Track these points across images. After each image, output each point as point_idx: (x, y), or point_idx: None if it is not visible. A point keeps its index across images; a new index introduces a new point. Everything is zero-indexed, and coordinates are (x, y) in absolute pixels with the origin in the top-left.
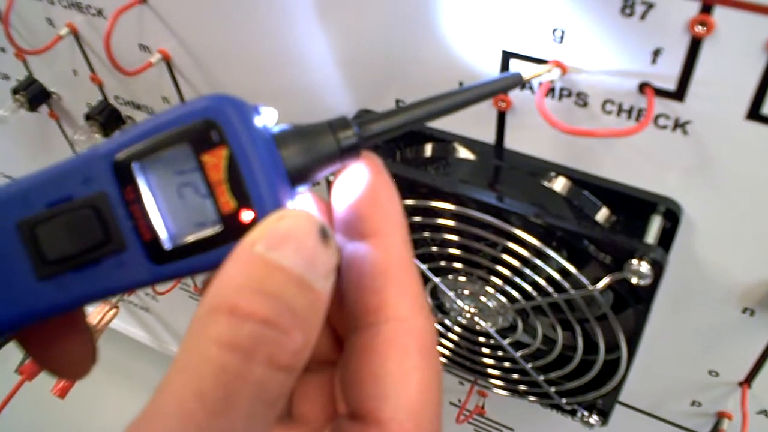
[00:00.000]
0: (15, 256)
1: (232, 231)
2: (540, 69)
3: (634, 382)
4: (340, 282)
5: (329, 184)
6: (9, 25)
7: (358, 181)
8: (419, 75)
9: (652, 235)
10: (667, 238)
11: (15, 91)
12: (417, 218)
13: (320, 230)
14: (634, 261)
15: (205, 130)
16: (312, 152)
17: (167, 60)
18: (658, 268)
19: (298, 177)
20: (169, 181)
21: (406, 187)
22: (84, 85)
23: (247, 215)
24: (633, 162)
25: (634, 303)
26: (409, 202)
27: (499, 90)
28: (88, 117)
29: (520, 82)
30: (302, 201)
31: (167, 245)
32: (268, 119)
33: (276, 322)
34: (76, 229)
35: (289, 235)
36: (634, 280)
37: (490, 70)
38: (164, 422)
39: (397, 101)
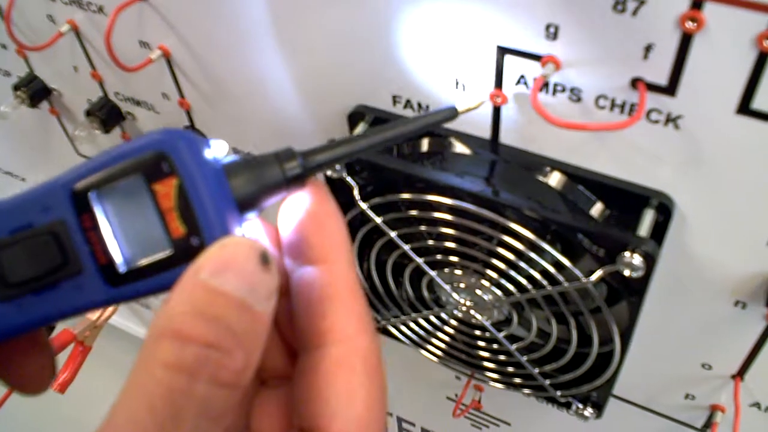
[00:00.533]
0: None
1: (182, 254)
2: (474, 102)
3: (628, 375)
4: (290, 304)
5: None
6: (11, 22)
7: (302, 207)
8: (416, 75)
9: (644, 229)
10: (659, 231)
11: (16, 88)
12: (413, 212)
13: (260, 255)
14: (627, 253)
15: (156, 162)
16: (259, 181)
17: (167, 56)
18: (650, 261)
19: (246, 204)
20: (123, 209)
21: (402, 182)
22: (84, 82)
23: (195, 240)
24: (626, 157)
25: (627, 295)
26: (406, 196)
27: (436, 123)
28: (88, 113)
29: (455, 116)
30: (250, 227)
31: (122, 268)
32: (218, 151)
33: (217, 343)
34: (36, 253)
35: (230, 261)
36: (626, 273)
37: (485, 66)
38: None
39: (394, 97)
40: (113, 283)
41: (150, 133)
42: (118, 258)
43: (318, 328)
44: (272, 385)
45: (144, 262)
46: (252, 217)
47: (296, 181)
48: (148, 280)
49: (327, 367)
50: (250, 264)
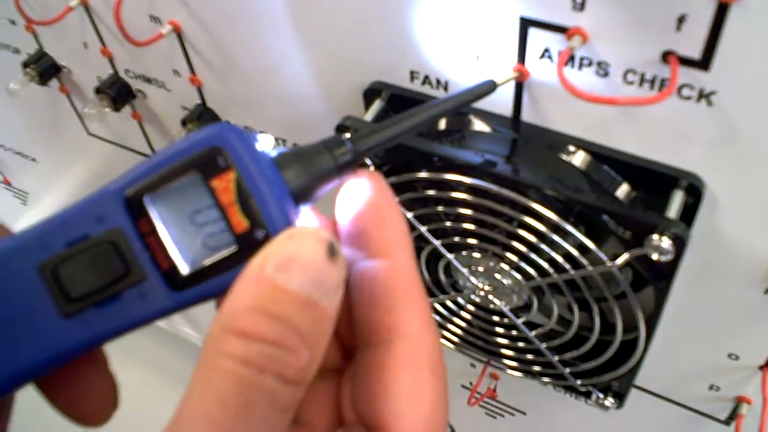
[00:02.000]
0: (38, 299)
1: (248, 249)
2: (510, 74)
3: (650, 364)
4: (349, 297)
5: None
6: None
7: (362, 198)
8: (435, 50)
9: (673, 211)
10: (689, 214)
11: (25, 65)
12: (431, 192)
13: (328, 247)
14: (655, 236)
15: (211, 157)
16: (311, 171)
17: (178, 31)
18: (680, 244)
19: (300, 196)
20: (180, 210)
21: (420, 160)
22: (94, 59)
23: (260, 233)
24: (655, 135)
25: (654, 280)
26: (423, 175)
27: (476, 97)
28: (98, 91)
29: (494, 89)
30: (307, 219)
31: (185, 271)
32: (265, 145)
33: (282, 342)
34: (96, 264)
35: (296, 255)
36: (654, 256)
37: (507, 40)
38: (192, 428)
39: (412, 72)
40: (178, 287)
41: (197, 131)
42: (180, 261)
43: (382, 323)
44: (320, 377)
45: (208, 261)
46: (305, 209)
47: (347, 167)
48: (213, 280)
49: (393, 363)
50: (317, 257)
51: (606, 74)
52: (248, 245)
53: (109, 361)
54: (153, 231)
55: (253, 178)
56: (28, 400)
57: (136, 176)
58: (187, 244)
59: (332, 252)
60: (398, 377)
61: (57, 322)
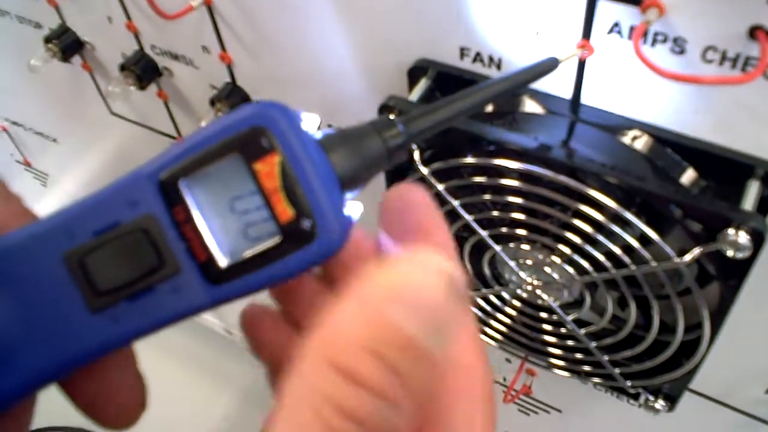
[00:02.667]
0: (65, 292)
1: (293, 241)
2: (573, 50)
3: (704, 366)
4: None
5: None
6: None
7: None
8: (488, 24)
9: (749, 202)
10: (763, 207)
11: (47, 40)
12: (479, 179)
13: (450, 284)
14: (731, 230)
15: (254, 138)
16: (360, 155)
17: (209, 4)
18: (758, 239)
19: (347, 182)
20: (219, 196)
21: (467, 145)
22: (119, 34)
23: (306, 222)
24: (730, 119)
25: (725, 278)
26: (471, 160)
27: (536, 76)
28: (123, 68)
29: (556, 67)
30: (356, 208)
31: (223, 263)
32: (310, 125)
33: (391, 397)
34: (127, 255)
35: (417, 291)
36: (729, 253)
37: (572, 12)
38: None
39: (462, 49)
40: (215, 281)
41: (239, 109)
42: (218, 252)
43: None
44: None
45: (249, 253)
46: (351, 196)
47: (398, 151)
48: (255, 274)
49: (446, 391)
50: (440, 297)
51: (682, 51)
52: (293, 236)
53: (137, 360)
54: (189, 219)
55: (299, 163)
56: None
57: (172, 158)
58: (226, 234)
59: (455, 291)
60: (452, 406)
61: (85, 317)
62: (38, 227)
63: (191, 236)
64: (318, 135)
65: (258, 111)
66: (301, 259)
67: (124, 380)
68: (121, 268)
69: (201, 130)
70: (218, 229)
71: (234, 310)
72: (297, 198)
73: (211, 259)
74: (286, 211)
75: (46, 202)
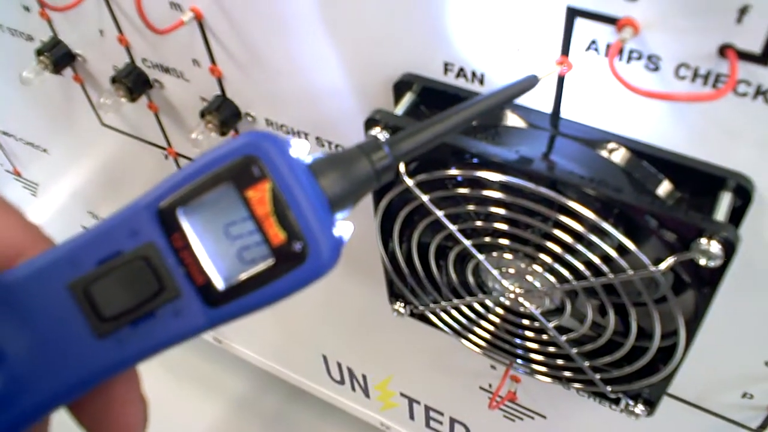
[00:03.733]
0: (71, 319)
1: (285, 262)
2: (552, 68)
3: (682, 371)
4: None
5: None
6: None
7: None
8: (471, 40)
9: (721, 213)
10: (736, 217)
11: (39, 53)
12: (462, 190)
13: None
14: (704, 240)
15: (246, 167)
16: (349, 178)
17: (199, 19)
18: (729, 249)
19: (337, 203)
20: (215, 222)
21: (451, 157)
22: (110, 47)
23: (297, 245)
24: (703, 133)
25: (699, 286)
26: (454, 172)
27: (516, 94)
28: (114, 80)
29: (536, 84)
30: (346, 227)
31: (221, 286)
32: (300, 151)
33: None
34: (130, 282)
35: None
36: (702, 261)
37: (551, 30)
38: None
39: (446, 64)
40: (213, 303)
41: (230, 140)
42: (215, 276)
43: None
44: None
45: (244, 276)
46: (342, 216)
47: (385, 172)
48: (250, 296)
49: None
50: None
51: (656, 68)
52: (286, 258)
53: (141, 381)
54: (187, 245)
55: (289, 189)
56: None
57: (168, 188)
58: (223, 258)
59: None
60: None
61: (91, 343)
62: (44, 258)
63: (189, 262)
64: (308, 160)
65: (248, 141)
66: (293, 279)
67: (129, 399)
68: (124, 295)
69: (196, 159)
70: (215, 254)
71: None
72: (288, 222)
73: (209, 283)
74: (277, 235)
75: (35, 212)
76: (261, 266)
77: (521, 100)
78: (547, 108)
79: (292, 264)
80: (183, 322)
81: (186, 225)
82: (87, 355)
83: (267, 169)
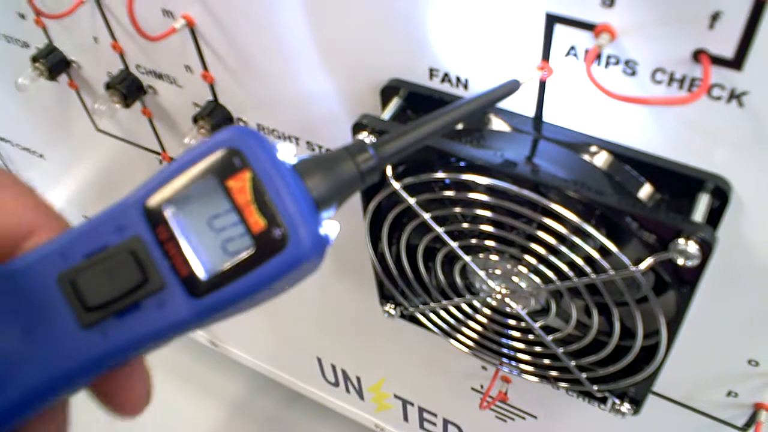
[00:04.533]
0: (58, 311)
1: (266, 250)
2: (533, 72)
3: (668, 370)
4: None
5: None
6: None
7: None
8: (455, 47)
9: (699, 214)
10: (714, 217)
11: (34, 59)
12: (449, 193)
13: None
14: (681, 240)
15: (227, 159)
16: (333, 178)
17: (191, 26)
18: (706, 249)
19: (323, 203)
20: (199, 215)
21: (437, 160)
22: (105, 54)
23: (277, 231)
24: (680, 136)
25: (678, 285)
26: (440, 175)
27: (499, 98)
28: (108, 86)
29: (517, 88)
30: (333, 226)
31: (203, 276)
32: (286, 154)
33: None
34: (115, 273)
35: None
36: (680, 261)
37: (532, 36)
38: None
39: (431, 70)
40: (197, 294)
41: (214, 134)
42: (198, 267)
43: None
44: None
45: (227, 265)
46: (328, 215)
47: (371, 174)
48: (233, 285)
49: None
50: None
51: (633, 73)
52: (266, 245)
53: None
54: (172, 238)
55: (269, 176)
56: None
57: (154, 185)
58: (207, 250)
59: None
60: None
61: (76, 334)
62: (35, 254)
63: (174, 254)
64: (293, 161)
65: (230, 135)
66: (275, 266)
67: (137, 372)
68: (109, 285)
69: (180, 156)
70: (199, 246)
71: None
72: (268, 209)
73: (192, 274)
74: (258, 222)
75: None
76: (242, 255)
77: (505, 104)
78: (530, 112)
79: (272, 251)
80: (168, 313)
81: (171, 218)
82: (73, 347)
83: (247, 159)
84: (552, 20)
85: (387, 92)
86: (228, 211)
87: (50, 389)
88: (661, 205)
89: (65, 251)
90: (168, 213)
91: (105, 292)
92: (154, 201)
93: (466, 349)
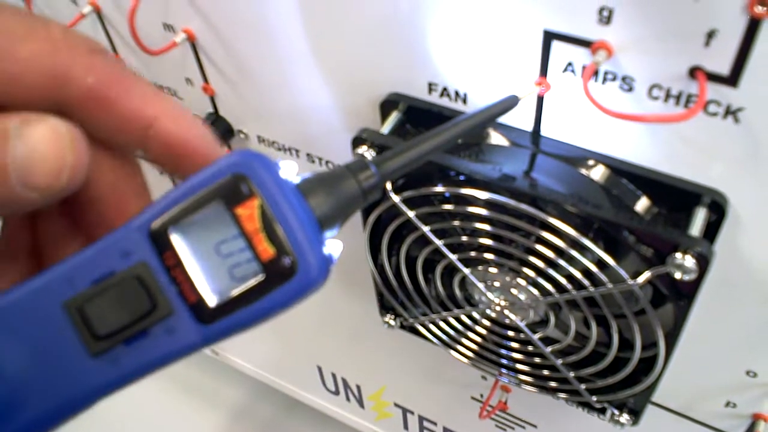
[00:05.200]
0: (65, 338)
1: (275, 277)
2: (531, 88)
3: (667, 381)
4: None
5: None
6: (31, 3)
7: None
8: (454, 62)
9: (696, 228)
10: (711, 231)
11: None
12: (448, 206)
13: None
14: (678, 254)
15: (235, 185)
16: (337, 197)
17: (192, 40)
18: (703, 263)
19: (326, 222)
20: (206, 241)
21: (436, 174)
22: None
23: (287, 260)
24: (678, 151)
25: (676, 299)
26: (440, 189)
27: (499, 113)
28: None
29: (516, 104)
30: (336, 246)
31: (212, 303)
32: (288, 172)
33: None
34: (123, 301)
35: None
36: (677, 275)
37: (530, 52)
38: None
39: (430, 84)
40: (206, 321)
41: (220, 158)
42: (207, 293)
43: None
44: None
45: (235, 292)
46: (331, 234)
47: (372, 191)
48: (242, 311)
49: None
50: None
51: (630, 89)
52: (275, 273)
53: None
54: (179, 264)
55: (277, 205)
56: None
57: (160, 209)
58: (214, 276)
59: None
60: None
61: (85, 362)
62: (39, 280)
63: (181, 280)
64: (296, 180)
65: (237, 160)
66: (284, 294)
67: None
68: (118, 313)
69: (187, 180)
70: (206, 272)
71: None
72: (277, 237)
73: (200, 300)
74: (267, 250)
75: None
76: (251, 282)
77: (503, 119)
78: (529, 126)
79: (281, 279)
80: (176, 339)
81: (178, 243)
82: (81, 374)
83: (255, 186)
84: (549, 37)
85: (386, 106)
86: (236, 238)
87: (58, 416)
88: (659, 219)
89: (71, 276)
90: (175, 238)
91: (114, 319)
92: (160, 226)
93: (465, 360)
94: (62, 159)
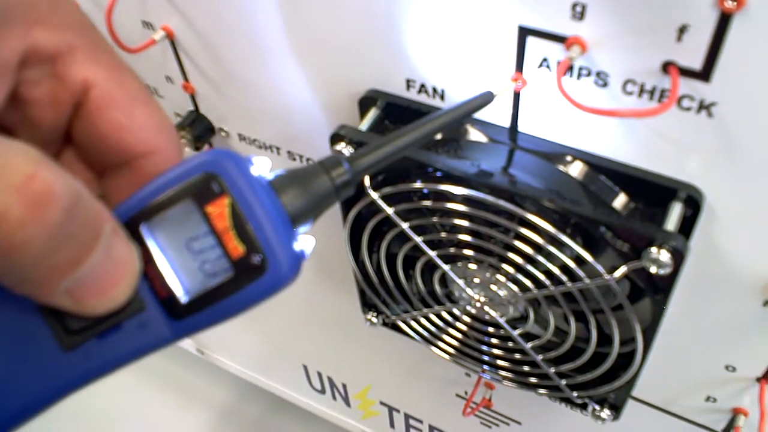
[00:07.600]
0: (39, 334)
1: (244, 275)
2: (507, 84)
3: (647, 375)
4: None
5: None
6: None
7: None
8: (431, 58)
9: (672, 223)
10: (687, 226)
11: None
12: (426, 203)
13: None
14: (654, 249)
15: (205, 183)
16: (309, 193)
17: (171, 38)
18: (678, 257)
19: (298, 218)
20: (177, 237)
21: (415, 171)
22: None
23: (256, 257)
24: (653, 146)
25: (652, 293)
26: (418, 185)
27: (474, 110)
28: None
29: (492, 100)
30: (308, 242)
31: (183, 299)
32: (261, 169)
33: None
34: None
35: None
36: (652, 270)
37: (505, 48)
38: None
39: (408, 81)
40: (177, 316)
41: (192, 157)
42: (178, 289)
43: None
44: None
45: (206, 289)
46: (304, 230)
47: (345, 188)
48: (212, 308)
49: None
50: None
51: (605, 84)
52: (245, 271)
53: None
54: (150, 260)
55: (248, 203)
56: None
57: (132, 206)
58: (185, 272)
59: None
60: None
61: (58, 356)
62: None
63: (153, 276)
64: (269, 176)
65: (209, 159)
66: (254, 291)
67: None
68: None
69: (158, 177)
70: (177, 268)
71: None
72: (247, 235)
73: (172, 296)
74: (237, 248)
75: None
76: (222, 279)
77: (481, 115)
78: (506, 122)
79: (251, 276)
80: (148, 334)
81: (149, 240)
82: (54, 368)
83: (226, 185)
84: (525, 32)
85: (365, 103)
86: (207, 236)
87: (32, 409)
88: (635, 214)
89: None
90: (146, 235)
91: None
92: (131, 222)
93: (447, 357)
94: (126, 289)
